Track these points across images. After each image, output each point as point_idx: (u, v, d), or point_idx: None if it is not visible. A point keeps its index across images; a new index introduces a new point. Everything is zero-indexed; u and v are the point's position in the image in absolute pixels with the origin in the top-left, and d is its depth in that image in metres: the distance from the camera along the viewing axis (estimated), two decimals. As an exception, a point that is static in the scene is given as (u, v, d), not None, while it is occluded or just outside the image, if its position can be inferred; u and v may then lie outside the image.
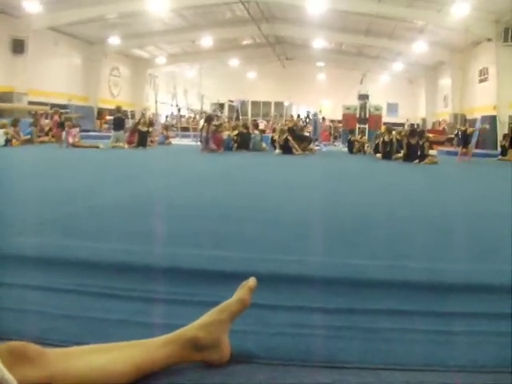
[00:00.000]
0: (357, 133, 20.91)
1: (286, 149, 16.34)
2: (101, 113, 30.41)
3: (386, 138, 15.96)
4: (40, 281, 2.46)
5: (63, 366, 1.39)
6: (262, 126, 31.54)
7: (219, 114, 31.14)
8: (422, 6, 23.11)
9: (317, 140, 24.03)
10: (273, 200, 5.98)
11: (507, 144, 18.52)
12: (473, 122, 26.59)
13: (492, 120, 24.19)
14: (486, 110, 25.33)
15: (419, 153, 14.53)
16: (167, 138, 20.87)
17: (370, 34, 30.35)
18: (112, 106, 24.33)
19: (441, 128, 30.84)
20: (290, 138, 16.61)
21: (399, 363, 1.74)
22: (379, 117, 24.06)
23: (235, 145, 17.18)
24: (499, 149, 20.05)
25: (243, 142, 17.40)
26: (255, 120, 27.97)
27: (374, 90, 29.97)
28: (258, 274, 1.77)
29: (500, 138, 21.21)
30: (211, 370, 1.59)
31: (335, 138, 28.45)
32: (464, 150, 17.33)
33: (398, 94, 40.75)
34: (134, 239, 3.41)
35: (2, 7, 22.31)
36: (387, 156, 15.62)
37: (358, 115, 23.13)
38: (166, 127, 23.06)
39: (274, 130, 20.14)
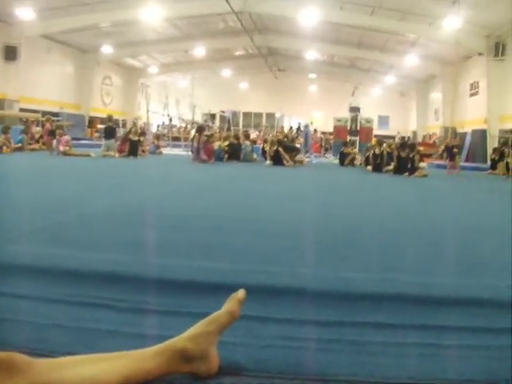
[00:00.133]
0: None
1: (277, 160, 16.36)
2: (92, 121, 30.40)
3: (377, 151, 16.02)
4: (29, 290, 2.44)
5: (52, 377, 1.39)
6: (253, 135, 31.59)
7: (210, 124, 31.17)
8: (414, 19, 23.25)
9: (307, 152, 24.08)
10: (263, 211, 5.98)
11: (497, 157, 18.60)
12: (463, 135, 26.75)
13: (482, 134, 24.30)
14: (476, 124, 25.46)
15: (409, 166, 14.59)
16: (158, 147, 20.84)
17: (362, 47, 30.51)
18: (104, 115, 24.35)
19: (431, 141, 30.96)
20: (280, 149, 16.64)
21: (389, 376, 1.74)
22: (370, 129, 24.20)
23: (226, 155, 17.17)
24: (489, 162, 20.14)
25: (234, 152, 17.41)
26: (246, 131, 28.01)
27: (366, 103, 30.18)
28: (247, 286, 1.77)
29: (490, 151, 21.31)
30: (199, 381, 1.58)
31: (326, 149, 28.51)
32: (451, 163, 17.41)
33: (389, 107, 40.91)
34: (124, 249, 3.40)
35: (-6, 14, 22.31)
36: (378, 168, 15.67)
37: (349, 127, 23.25)
38: (157, 136, 23.04)
39: (265, 141, 20.13)
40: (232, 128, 30.96)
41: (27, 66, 24.62)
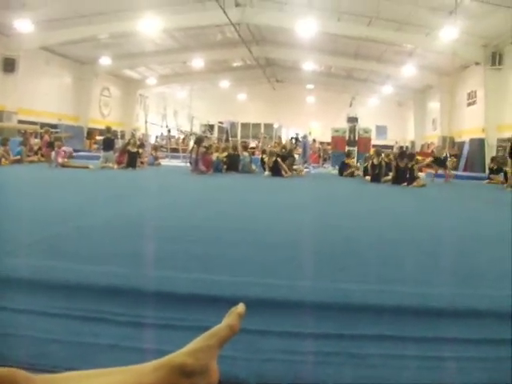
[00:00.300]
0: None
1: (276, 171, 16.37)
2: (91, 133, 30.46)
3: (375, 161, 16.03)
4: (27, 304, 2.43)
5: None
6: (252, 144, 31.66)
7: (209, 135, 31.21)
8: (411, 29, 23.37)
9: (306, 162, 24.11)
10: (262, 222, 5.98)
11: (495, 167, 18.64)
12: (461, 144, 26.81)
13: (480, 143, 24.37)
14: (474, 133, 25.54)
15: (408, 175, 14.60)
16: (156, 158, 20.84)
17: (360, 58, 30.66)
18: (102, 126, 24.37)
19: (429, 151, 31.03)
20: (279, 160, 16.66)
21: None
22: (368, 139, 24.25)
23: (224, 166, 17.18)
24: (487, 171, 20.18)
25: (232, 163, 17.43)
26: (245, 141, 28.03)
27: (363, 113, 30.27)
28: (247, 299, 1.76)
29: (488, 160, 21.36)
30: (199, 396, 1.58)
31: (324, 160, 28.56)
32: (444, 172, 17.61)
33: (387, 117, 41.04)
34: (122, 261, 3.39)
35: (-7, 26, 22.39)
36: (376, 179, 15.67)
37: (347, 138, 23.28)
38: (155, 148, 23.06)
39: (263, 152, 20.15)
40: (230, 139, 30.99)
41: (26, 77, 24.72)
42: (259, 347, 2.02)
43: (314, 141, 31.62)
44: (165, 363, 1.53)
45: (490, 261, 4.10)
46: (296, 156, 21.55)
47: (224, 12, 21.78)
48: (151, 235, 4.58)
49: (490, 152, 22.99)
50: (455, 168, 25.79)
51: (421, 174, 16.19)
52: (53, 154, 16.39)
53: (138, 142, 19.16)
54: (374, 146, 24.69)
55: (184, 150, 26.14)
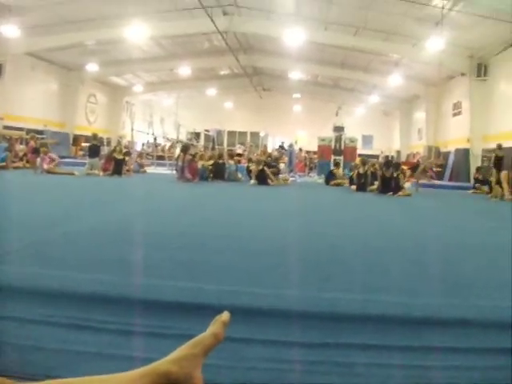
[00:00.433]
0: (332, 165, 21.04)
1: (262, 179, 16.38)
2: (77, 139, 30.34)
3: (361, 170, 16.08)
4: (10, 311, 2.40)
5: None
6: (239, 150, 31.66)
7: (195, 143, 31.21)
8: (397, 40, 23.51)
9: (292, 171, 24.16)
10: (248, 230, 5.98)
11: (480, 177, 18.79)
12: (446, 154, 26.97)
13: (465, 153, 24.52)
14: (459, 143, 25.70)
15: (393, 185, 14.65)
16: (141, 166, 20.79)
17: (346, 67, 30.77)
18: (88, 133, 24.35)
19: (415, 160, 31.18)
20: (266, 168, 16.68)
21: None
22: (354, 149, 24.31)
23: (211, 175, 17.16)
24: (472, 181, 20.33)
25: (218, 171, 17.42)
26: (231, 150, 28.08)
27: (350, 122, 30.39)
28: (232, 307, 1.77)
29: (473, 170, 21.51)
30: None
31: (310, 169, 28.62)
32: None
33: (373, 127, 41.19)
34: (108, 268, 3.37)
35: (-22, 32, 22.28)
36: (362, 188, 15.71)
37: (333, 147, 23.33)
38: (140, 155, 23.00)
39: (249, 160, 20.17)
40: (217, 147, 30.99)
41: (11, 83, 24.64)
42: (244, 355, 2.02)
43: (301, 150, 31.70)
44: (149, 371, 1.52)
45: (475, 270, 4.12)
46: (282, 165, 21.60)
47: (211, 20, 21.81)
48: (137, 242, 4.56)
49: (475, 162, 23.14)
50: (440, 178, 25.97)
51: (406, 184, 16.24)
52: (38, 160, 16.32)
53: (124, 150, 19.12)
54: (359, 155, 24.76)
55: (170, 158, 26.12)
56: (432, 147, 29.09)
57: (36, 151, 17.43)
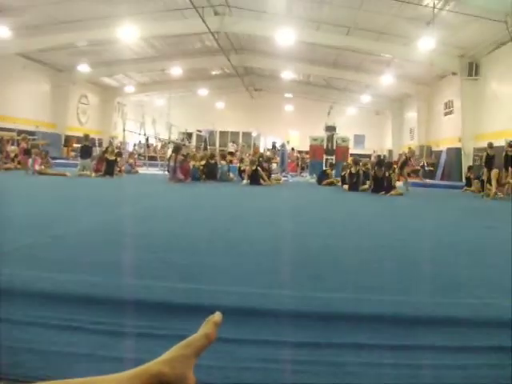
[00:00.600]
0: (324, 164, 21.06)
1: (254, 179, 16.37)
2: (68, 140, 30.26)
3: (353, 170, 16.09)
4: (2, 313, 2.40)
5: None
6: (231, 149, 31.63)
7: (187, 143, 31.16)
8: (389, 39, 23.53)
9: (284, 171, 24.16)
10: (239, 230, 5.98)
11: (472, 176, 18.87)
12: (438, 153, 27.04)
13: (457, 152, 24.59)
14: (451, 142, 25.77)
15: (386, 184, 14.67)
16: (133, 166, 20.74)
17: (338, 67, 30.79)
18: (80, 134, 24.22)
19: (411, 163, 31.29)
20: (259, 168, 16.68)
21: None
22: (346, 148, 24.30)
23: (203, 175, 17.12)
24: (464, 180, 20.42)
25: (210, 172, 17.39)
26: (223, 150, 28.06)
27: (341, 122, 30.43)
28: (224, 308, 1.76)
29: (465, 169, 21.59)
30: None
31: (302, 168, 28.61)
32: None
33: (364, 126, 41.22)
34: (99, 270, 3.36)
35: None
36: (354, 187, 15.73)
37: (325, 146, 23.33)
38: (131, 155, 22.92)
39: (241, 161, 20.17)
40: (209, 147, 30.95)
41: (2, 84, 24.60)
42: (236, 356, 2.02)
43: (293, 149, 31.70)
44: (141, 372, 1.52)
45: (466, 268, 4.13)
46: (274, 165, 21.61)
47: (203, 20, 21.78)
48: (128, 244, 4.56)
49: (467, 161, 23.20)
50: (432, 177, 26.04)
51: (398, 183, 16.27)
52: (30, 161, 16.27)
53: (116, 151, 19.07)
54: (352, 154, 24.77)
55: (162, 158, 26.09)
56: (424, 146, 29.18)
57: (27, 152, 17.40)
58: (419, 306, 2.84)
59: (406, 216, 9.63)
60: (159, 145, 33.61)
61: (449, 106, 27.38)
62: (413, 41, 21.71)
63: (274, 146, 33.43)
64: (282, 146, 27.15)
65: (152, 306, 2.58)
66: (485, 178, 16.28)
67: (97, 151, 20.91)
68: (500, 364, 2.05)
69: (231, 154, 28.79)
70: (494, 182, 15.52)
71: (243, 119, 41.82)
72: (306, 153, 28.72)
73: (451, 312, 2.72)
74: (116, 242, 4.65)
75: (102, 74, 33.77)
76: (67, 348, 2.04)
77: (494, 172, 15.61)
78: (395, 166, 17.43)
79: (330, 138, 23.49)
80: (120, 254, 4.09)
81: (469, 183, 19.17)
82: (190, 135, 36.01)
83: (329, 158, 22.52)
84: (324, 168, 20.58)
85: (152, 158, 28.23)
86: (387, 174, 14.89)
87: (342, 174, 17.49)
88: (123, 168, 18.96)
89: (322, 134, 24.23)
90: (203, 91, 40.60)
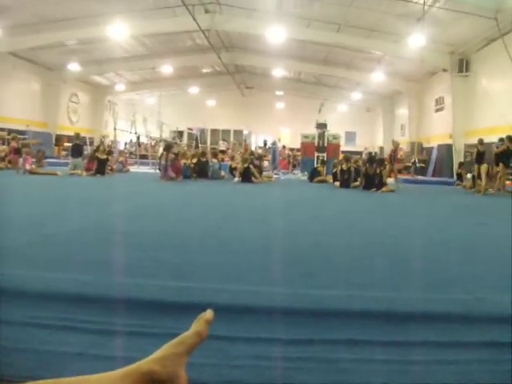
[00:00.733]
0: (316, 162, 21.07)
1: (246, 177, 16.36)
2: (59, 139, 30.20)
3: (344, 167, 16.11)
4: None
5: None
6: (223, 147, 31.62)
7: (178, 141, 31.11)
8: (379, 36, 23.59)
9: (275, 168, 24.17)
10: (231, 228, 5.98)
11: (464, 172, 18.97)
12: (430, 150, 27.12)
13: (448, 148, 24.67)
14: (442, 139, 25.87)
15: (377, 181, 14.70)
16: (124, 165, 20.68)
17: (329, 64, 30.82)
18: (71, 133, 24.18)
19: (398, 157, 31.34)
20: (251, 166, 16.68)
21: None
22: (337, 145, 24.30)
23: (194, 174, 17.09)
24: (455, 176, 20.51)
25: (201, 170, 17.38)
26: (214, 148, 28.01)
27: (333, 119, 30.45)
28: (215, 305, 1.76)
29: (456, 165, 21.68)
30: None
31: (294, 166, 28.63)
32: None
33: (355, 123, 41.29)
34: (90, 269, 3.35)
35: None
36: (345, 184, 15.75)
37: (316, 144, 23.33)
38: (121, 153, 22.85)
39: (232, 158, 20.15)
40: (200, 145, 30.93)
41: (-8, 83, 24.48)
42: (228, 353, 2.02)
43: (284, 147, 31.72)
44: (132, 371, 1.51)
45: (458, 264, 4.14)
46: (265, 162, 21.60)
47: (193, 18, 21.77)
48: (119, 242, 4.55)
49: (458, 157, 23.29)
50: (423, 173, 26.11)
51: (389, 180, 16.29)
52: (20, 160, 16.22)
53: (107, 149, 19.02)
54: (343, 152, 24.80)
55: (153, 157, 26.05)
56: (415, 143, 29.25)
57: (18, 152, 17.33)
58: (411, 302, 2.84)
59: (397, 213, 9.64)
60: (151, 142, 33.50)
61: (440, 103, 27.47)
62: (403, 38, 21.78)
63: (265, 144, 33.41)
64: (273, 143, 27.15)
65: (143, 305, 2.57)
66: (476, 173, 16.36)
67: (88, 150, 20.82)
68: (492, 359, 2.05)
69: (222, 152, 28.79)
70: (483, 176, 15.62)
71: (234, 117, 41.81)
72: (298, 150, 28.75)
73: (443, 308, 2.72)
74: (107, 241, 4.64)
75: (92, 73, 33.73)
76: (59, 347, 2.03)
77: (484, 167, 15.71)
78: (386, 163, 17.45)
79: (322, 136, 23.49)
80: (111, 252, 4.08)
81: (460, 179, 19.26)
82: (181, 133, 35.96)
83: (320, 155, 22.52)
84: (315, 165, 20.56)
85: (143, 157, 28.18)
86: (378, 171, 14.91)
87: (334, 171, 17.51)
88: (114, 167, 18.92)
89: (313, 131, 24.23)
90: (194, 89, 40.57)
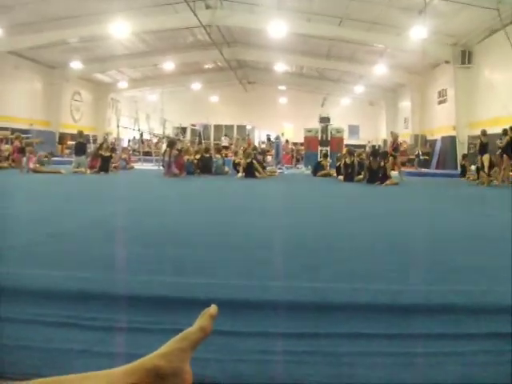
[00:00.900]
0: (319, 156, 21.05)
1: (249, 172, 16.36)
2: (62, 138, 30.24)
3: (348, 160, 16.09)
4: (-3, 311, 2.40)
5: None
6: (225, 142, 31.61)
7: (181, 138, 31.12)
8: (381, 29, 23.54)
9: (279, 163, 24.15)
10: (235, 223, 5.97)
11: (468, 164, 18.94)
12: (433, 142, 27.07)
13: (452, 140, 24.63)
14: (445, 131, 25.82)
15: (381, 174, 14.68)
16: (127, 162, 20.66)
17: (331, 58, 30.78)
18: (74, 131, 24.18)
19: (401, 149, 31.29)
20: (254, 161, 16.68)
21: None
22: (341, 139, 24.26)
23: (198, 169, 17.09)
24: (459, 168, 20.47)
25: (205, 165, 17.39)
26: (218, 144, 27.98)
27: (336, 113, 30.40)
28: (219, 301, 1.76)
29: (459, 157, 21.64)
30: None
31: (297, 160, 28.62)
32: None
33: (359, 116, 41.23)
34: (94, 266, 3.35)
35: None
36: (349, 178, 15.73)
37: (319, 138, 23.30)
38: (124, 150, 22.83)
39: (235, 154, 20.17)
40: (203, 141, 30.93)
41: (-6, 82, 24.51)
42: (232, 348, 2.01)
43: (287, 142, 31.70)
44: (137, 367, 1.51)
45: (463, 256, 4.14)
46: (269, 157, 21.60)
47: (194, 14, 21.76)
48: (122, 240, 4.54)
49: (462, 149, 23.26)
50: (427, 166, 26.06)
51: (393, 173, 16.27)
52: (24, 159, 16.24)
53: (110, 147, 19.03)
54: (346, 145, 24.76)
55: (157, 154, 26.06)
56: (418, 135, 29.20)
57: (21, 151, 17.35)
58: (416, 294, 2.84)
59: (401, 205, 9.63)
60: (155, 139, 33.49)
61: (442, 95, 27.42)
62: (405, 30, 21.72)
63: (268, 139, 33.40)
64: (277, 138, 27.14)
65: (147, 301, 2.57)
66: (479, 165, 16.34)
67: (91, 148, 20.84)
68: (497, 350, 2.05)
69: (225, 147, 28.80)
70: (486, 164, 15.63)
71: (237, 113, 41.79)
72: (301, 144, 28.72)
73: (448, 299, 2.72)
74: (112, 238, 4.64)
75: (94, 71, 33.76)
76: (64, 344, 2.03)
77: (485, 157, 15.71)
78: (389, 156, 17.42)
79: (325, 129, 23.44)
80: (115, 248, 4.08)
81: (464, 171, 19.22)
82: (184, 130, 35.95)
83: (323, 149, 22.49)
84: (319, 159, 20.54)
85: (147, 154, 28.19)
86: (382, 164, 14.90)
87: (337, 164, 17.50)
88: (118, 164, 18.93)
89: (316, 125, 24.20)
90: (196, 85, 40.56)
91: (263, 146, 31.48)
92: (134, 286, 2.81)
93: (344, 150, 19.08)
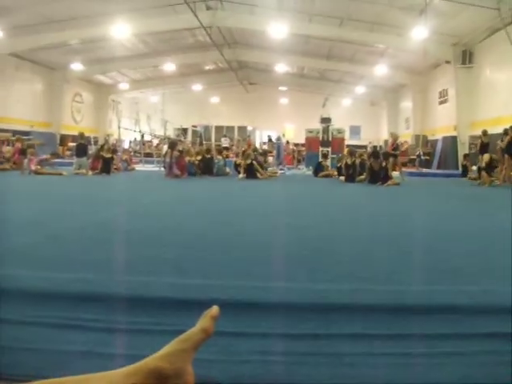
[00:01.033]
0: (320, 156, 21.05)
1: (250, 173, 16.35)
2: (63, 139, 30.23)
3: (349, 161, 16.08)
4: (-1, 313, 2.40)
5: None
6: (225, 143, 31.62)
7: (182, 139, 31.13)
8: (382, 30, 23.54)
9: (280, 164, 24.16)
10: (236, 224, 5.97)
11: (469, 164, 18.94)
12: (434, 142, 27.07)
13: (453, 140, 24.62)
14: (446, 131, 25.81)
15: (382, 175, 14.68)
16: (128, 163, 20.66)
17: (332, 58, 30.77)
18: (75, 133, 24.18)
19: (403, 149, 31.28)
20: (255, 162, 16.67)
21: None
22: (342, 140, 24.27)
23: (199, 171, 17.10)
24: (460, 168, 20.47)
25: (206, 166, 17.40)
26: (219, 145, 27.96)
27: (337, 113, 30.36)
28: (221, 302, 1.76)
29: (461, 157, 21.64)
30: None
31: (299, 161, 28.63)
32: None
33: (360, 117, 41.20)
34: (95, 268, 3.35)
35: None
36: (350, 179, 15.72)
37: (321, 138, 23.29)
38: (125, 152, 22.84)
39: (237, 155, 20.17)
40: (204, 142, 30.94)
41: (-4, 84, 24.53)
42: (234, 349, 2.02)
43: (288, 142, 31.72)
44: (139, 368, 1.51)
45: (463, 256, 4.14)
46: (270, 158, 21.60)
47: (195, 15, 21.77)
48: (123, 241, 4.54)
49: (463, 149, 23.25)
50: (428, 166, 26.06)
51: (394, 173, 16.26)
52: (25, 161, 16.25)
53: (112, 148, 19.05)
54: (348, 146, 24.75)
55: (158, 155, 26.07)
56: (419, 136, 29.19)
57: (23, 152, 17.37)
58: (416, 294, 2.84)
59: (402, 205, 9.63)
60: (156, 141, 33.50)
61: (443, 95, 27.41)
62: (406, 30, 21.71)
63: (270, 140, 33.41)
64: (278, 139, 27.14)
65: (149, 302, 2.57)
66: (480, 165, 16.33)
67: (92, 149, 20.85)
68: (497, 350, 2.05)
69: (226, 148, 28.80)
70: (485, 161, 15.64)
71: (238, 113, 41.77)
72: (302, 145, 28.72)
73: (449, 299, 2.72)
74: (113, 239, 4.64)
75: (95, 72, 33.78)
76: (65, 346, 2.03)
77: (485, 156, 15.71)
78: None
79: (326, 130, 23.44)
80: (116, 250, 4.08)
81: (465, 171, 19.22)
82: (185, 131, 35.96)
83: (324, 149, 22.49)
84: (319, 160, 20.53)
85: (148, 155, 28.21)
86: (383, 164, 14.90)
87: (338, 165, 17.50)
88: (119, 165, 18.94)
89: (317, 126, 24.20)
90: (197, 86, 40.58)
91: (265, 146, 31.48)
92: (136, 287, 2.81)
93: (345, 151, 19.08)
